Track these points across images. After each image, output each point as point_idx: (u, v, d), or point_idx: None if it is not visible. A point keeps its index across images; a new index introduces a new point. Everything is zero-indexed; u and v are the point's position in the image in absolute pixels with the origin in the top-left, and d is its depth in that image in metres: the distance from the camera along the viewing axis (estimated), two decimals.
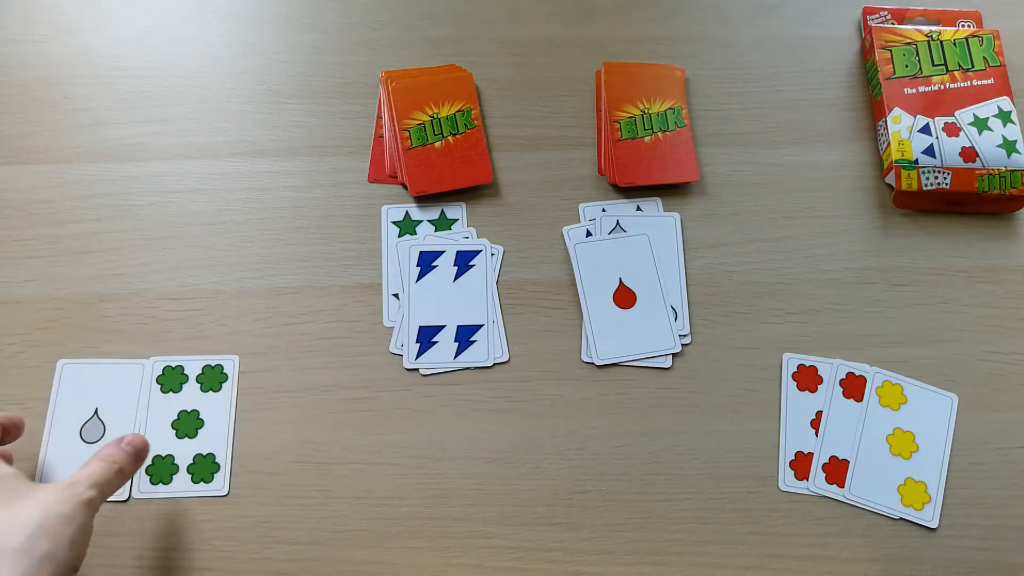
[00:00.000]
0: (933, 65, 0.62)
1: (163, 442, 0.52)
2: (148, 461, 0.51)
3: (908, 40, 0.63)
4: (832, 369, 0.55)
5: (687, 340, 0.56)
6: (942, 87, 0.61)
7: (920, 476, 0.53)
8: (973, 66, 0.62)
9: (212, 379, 0.54)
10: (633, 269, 0.58)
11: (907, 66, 0.62)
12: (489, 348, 0.56)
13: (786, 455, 0.53)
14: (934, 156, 0.59)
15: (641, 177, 0.60)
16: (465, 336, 0.56)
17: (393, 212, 0.59)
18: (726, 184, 0.61)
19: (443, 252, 0.58)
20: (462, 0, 0.67)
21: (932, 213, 0.61)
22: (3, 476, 0.43)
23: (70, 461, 0.51)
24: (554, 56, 0.65)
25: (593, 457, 0.53)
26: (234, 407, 0.53)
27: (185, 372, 0.54)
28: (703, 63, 0.65)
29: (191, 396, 0.53)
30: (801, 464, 0.53)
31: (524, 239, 0.59)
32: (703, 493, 0.52)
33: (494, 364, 0.55)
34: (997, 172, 0.58)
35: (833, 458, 0.53)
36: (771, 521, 0.52)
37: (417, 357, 0.55)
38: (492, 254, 0.58)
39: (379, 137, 0.61)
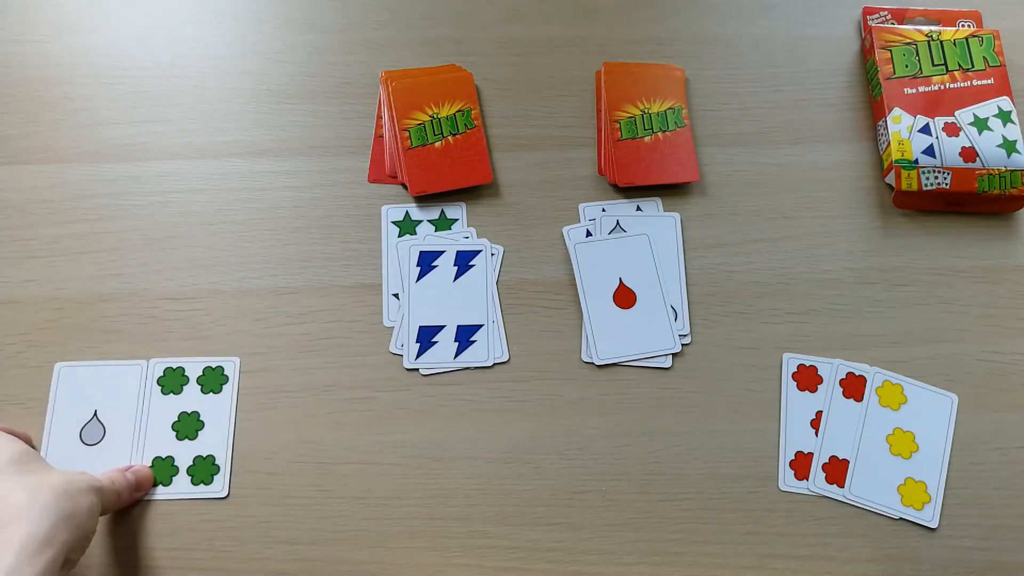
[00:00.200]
0: (933, 65, 0.62)
1: (163, 444, 0.52)
2: (148, 463, 0.52)
3: (908, 40, 0.63)
4: (832, 369, 0.55)
5: (687, 340, 0.56)
6: (942, 87, 0.61)
7: (920, 476, 0.53)
8: (973, 66, 0.62)
9: (213, 381, 0.54)
10: (633, 269, 0.58)
11: (907, 66, 0.62)
12: (489, 348, 0.56)
13: (786, 455, 0.53)
14: (934, 156, 0.59)
15: (641, 177, 0.60)
16: (465, 336, 0.56)
17: (393, 212, 0.59)
18: (726, 184, 0.61)
19: (443, 252, 0.58)
20: (462, 0, 0.67)
21: (932, 213, 0.61)
22: (29, 451, 0.45)
23: (70, 463, 0.51)
24: (554, 56, 0.65)
25: (593, 457, 0.53)
26: (234, 409, 0.53)
27: (186, 374, 0.54)
28: (703, 63, 0.65)
29: (192, 398, 0.53)
30: (801, 464, 0.53)
31: (524, 239, 0.59)
32: (703, 493, 0.52)
33: (494, 364, 0.55)
34: (997, 172, 0.58)
35: (833, 458, 0.53)
36: (771, 521, 0.52)
37: (417, 357, 0.55)
38: (492, 254, 0.58)
39: (379, 137, 0.61)
